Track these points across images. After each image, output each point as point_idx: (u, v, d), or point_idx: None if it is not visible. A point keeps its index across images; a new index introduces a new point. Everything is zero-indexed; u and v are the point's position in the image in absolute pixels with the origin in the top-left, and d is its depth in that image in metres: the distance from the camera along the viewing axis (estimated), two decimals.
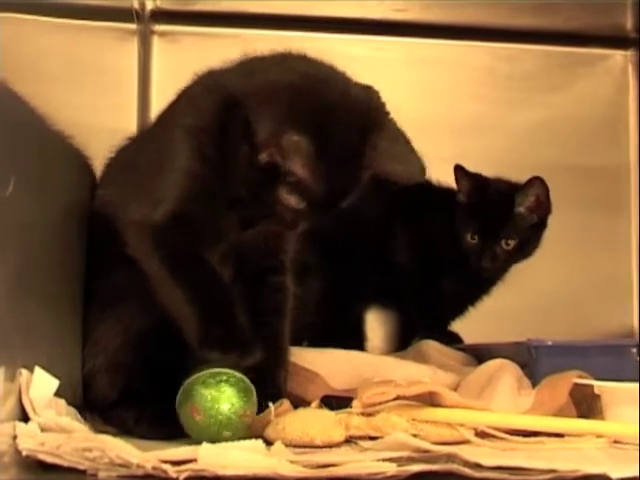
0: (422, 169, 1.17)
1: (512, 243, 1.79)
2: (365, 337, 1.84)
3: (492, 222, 1.80)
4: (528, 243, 1.82)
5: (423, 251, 1.84)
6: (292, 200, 1.13)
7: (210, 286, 1.16)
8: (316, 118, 1.10)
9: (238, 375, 1.13)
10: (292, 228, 1.21)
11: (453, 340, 1.78)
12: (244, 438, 1.02)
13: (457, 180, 1.82)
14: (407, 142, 1.17)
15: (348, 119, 1.12)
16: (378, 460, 0.93)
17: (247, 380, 1.14)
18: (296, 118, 1.09)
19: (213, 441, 1.04)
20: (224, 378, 1.12)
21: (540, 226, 1.82)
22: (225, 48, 1.97)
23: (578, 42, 2.07)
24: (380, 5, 1.95)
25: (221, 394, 1.11)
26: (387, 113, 1.18)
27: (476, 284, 1.87)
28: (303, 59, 1.20)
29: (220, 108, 1.18)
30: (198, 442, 0.98)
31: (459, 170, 1.80)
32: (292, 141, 1.08)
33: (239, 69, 1.22)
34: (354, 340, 1.75)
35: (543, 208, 1.80)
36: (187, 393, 1.12)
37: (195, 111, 1.21)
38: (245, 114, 1.12)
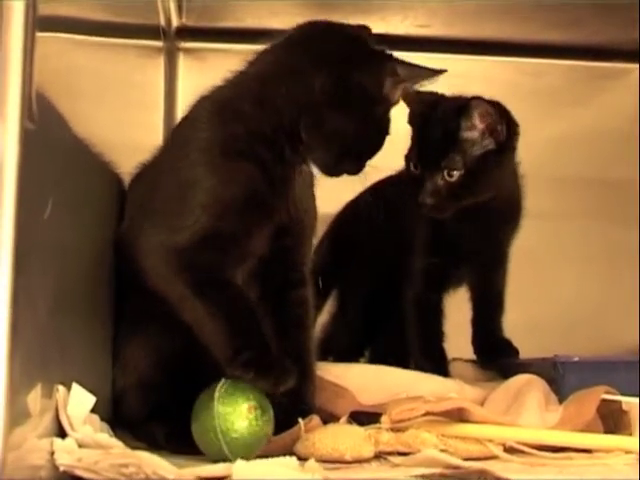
0: None
1: (456, 174, 1.50)
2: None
3: (432, 149, 1.53)
4: (480, 175, 1.52)
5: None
6: None
7: (238, 307, 1.16)
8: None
9: (256, 392, 1.12)
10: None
11: (507, 348, 1.66)
12: (269, 455, 1.03)
13: (406, 102, 1.53)
14: None
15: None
16: (410, 476, 0.94)
17: (265, 397, 1.13)
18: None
19: (225, 459, 1.05)
20: (241, 395, 1.11)
21: (500, 153, 1.52)
22: None
23: (601, 57, 2.08)
24: (404, 21, 1.96)
25: (237, 411, 1.10)
26: None
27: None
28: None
29: (261, 110, 1.20)
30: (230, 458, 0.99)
31: (407, 93, 1.47)
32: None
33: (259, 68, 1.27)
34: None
35: (497, 130, 1.51)
36: (202, 409, 1.11)
37: (219, 124, 1.22)
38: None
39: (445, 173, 1.50)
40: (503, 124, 1.51)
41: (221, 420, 1.09)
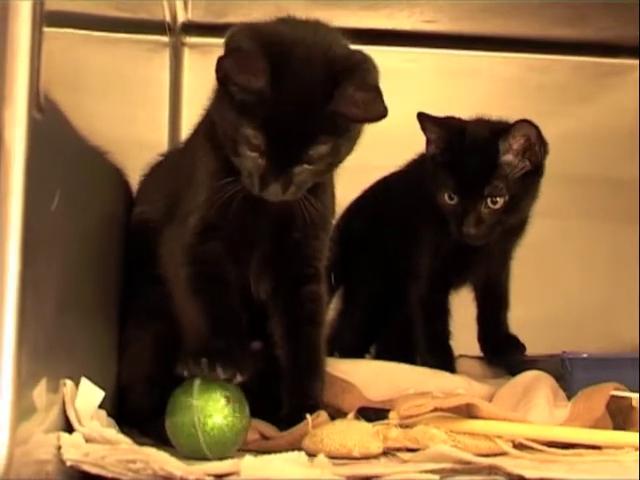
0: (379, 113, 1.12)
1: (500, 201, 1.49)
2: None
3: (472, 177, 1.50)
4: (521, 198, 1.52)
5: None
6: (251, 133, 1.11)
7: (223, 309, 1.19)
8: (280, 49, 1.11)
9: (232, 386, 1.11)
10: (262, 189, 1.13)
11: (514, 344, 1.66)
12: (278, 451, 1.02)
13: (424, 129, 1.53)
14: (376, 92, 1.13)
15: (315, 62, 1.12)
16: (420, 472, 0.93)
17: (241, 392, 1.12)
18: (259, 40, 1.10)
19: (201, 457, 1.06)
20: (218, 389, 1.10)
21: (535, 174, 1.52)
22: None
23: (609, 53, 2.07)
24: (410, 16, 1.95)
25: (214, 405, 1.10)
26: (367, 70, 1.16)
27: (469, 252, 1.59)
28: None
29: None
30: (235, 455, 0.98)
31: (424, 117, 1.51)
32: (248, 51, 1.09)
33: None
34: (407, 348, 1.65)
35: (535, 151, 1.50)
36: (178, 404, 1.11)
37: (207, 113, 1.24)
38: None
39: (489, 201, 1.49)
40: (540, 147, 1.50)
41: (198, 414, 1.08)
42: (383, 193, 1.74)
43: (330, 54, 1.13)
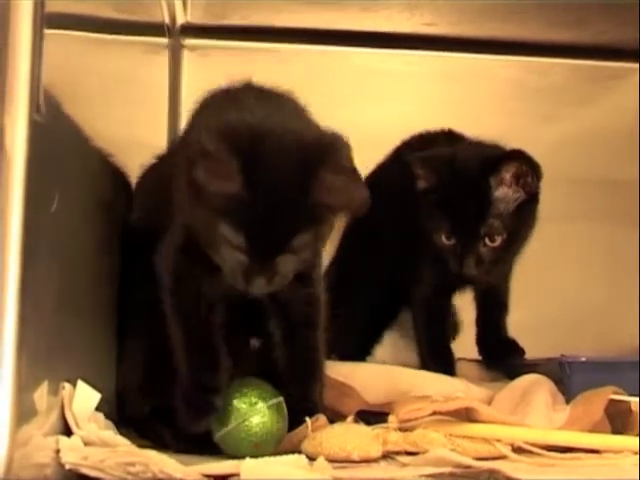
0: (362, 199, 1.08)
1: (498, 239, 1.45)
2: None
3: (467, 217, 1.46)
4: (519, 231, 1.48)
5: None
6: (230, 234, 1.07)
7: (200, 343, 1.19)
8: (249, 145, 1.05)
9: (269, 389, 1.14)
10: (247, 285, 1.09)
11: (513, 348, 1.64)
12: (277, 453, 1.03)
13: (413, 168, 1.49)
14: (354, 175, 1.09)
15: (287, 153, 1.07)
16: (420, 476, 0.93)
17: (278, 394, 1.14)
18: (227, 139, 1.04)
19: (244, 456, 1.05)
20: (255, 392, 1.13)
21: (530, 202, 1.48)
22: (255, 62, 1.98)
23: (608, 56, 2.07)
24: (410, 19, 1.95)
25: (253, 408, 1.12)
26: (340, 151, 1.09)
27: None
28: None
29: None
30: (238, 457, 0.98)
31: (411, 159, 1.49)
32: (217, 154, 1.03)
33: None
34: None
35: (528, 182, 1.45)
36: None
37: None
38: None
39: (486, 240, 1.45)
40: (533, 175, 1.46)
41: (239, 418, 1.11)
42: (378, 195, 1.73)
43: (301, 140, 1.08)
